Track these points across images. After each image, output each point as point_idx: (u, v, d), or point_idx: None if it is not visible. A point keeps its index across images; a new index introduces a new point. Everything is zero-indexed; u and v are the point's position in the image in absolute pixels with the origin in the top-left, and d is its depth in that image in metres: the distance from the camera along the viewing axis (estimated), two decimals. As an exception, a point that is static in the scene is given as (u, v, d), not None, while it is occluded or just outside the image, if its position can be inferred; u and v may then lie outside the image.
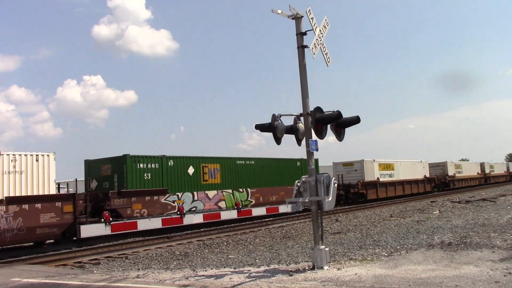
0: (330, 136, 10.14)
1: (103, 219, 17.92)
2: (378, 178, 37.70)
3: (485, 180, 61.58)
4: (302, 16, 9.55)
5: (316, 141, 9.38)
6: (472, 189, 49.10)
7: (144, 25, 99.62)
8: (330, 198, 8.79)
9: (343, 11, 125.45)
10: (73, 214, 17.36)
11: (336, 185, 9.10)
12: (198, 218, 21.57)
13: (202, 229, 20.38)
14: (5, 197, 15.94)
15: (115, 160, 20.41)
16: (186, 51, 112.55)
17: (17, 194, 16.53)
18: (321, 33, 9.72)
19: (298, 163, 29.04)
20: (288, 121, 9.66)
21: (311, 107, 9.44)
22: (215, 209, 22.84)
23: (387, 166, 39.95)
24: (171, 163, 21.48)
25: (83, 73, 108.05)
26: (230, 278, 8.72)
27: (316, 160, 29.42)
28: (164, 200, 20.70)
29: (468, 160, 69.78)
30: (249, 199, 25.14)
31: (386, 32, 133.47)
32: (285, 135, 9.61)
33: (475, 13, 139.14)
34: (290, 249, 12.96)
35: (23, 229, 15.88)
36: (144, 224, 19.25)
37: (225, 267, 10.36)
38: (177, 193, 21.39)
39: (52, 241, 17.87)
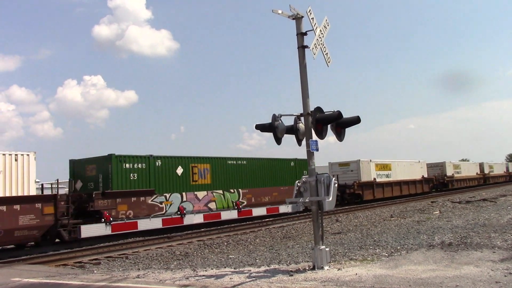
0: (331, 136, 10.13)
1: (103, 219, 17.92)
2: (374, 179, 37.20)
3: (484, 180, 61.11)
4: (302, 16, 9.56)
5: (316, 141, 9.38)
6: (471, 190, 48.77)
7: (145, 25, 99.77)
8: (330, 198, 8.79)
9: (344, 11, 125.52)
10: (54, 215, 16.79)
11: (336, 185, 9.10)
12: (198, 218, 21.53)
13: (202, 229, 20.38)
14: None
15: (100, 160, 19.81)
16: (186, 51, 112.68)
17: None
18: (322, 33, 9.72)
19: (292, 163, 28.57)
20: (288, 121, 9.67)
21: (312, 107, 9.45)
22: (204, 210, 22.22)
23: (384, 167, 39.41)
24: (158, 163, 20.90)
25: (83, 73, 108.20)
26: (230, 278, 8.72)
27: None
28: (151, 201, 20.10)
29: (468, 161, 69.54)
30: (240, 200, 24.47)
31: (386, 32, 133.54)
32: (285, 135, 9.61)
33: (475, 13, 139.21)
34: (291, 249, 12.96)
35: (1, 232, 15.31)
36: (144, 224, 19.22)
37: (225, 267, 10.37)
38: (164, 194, 20.80)
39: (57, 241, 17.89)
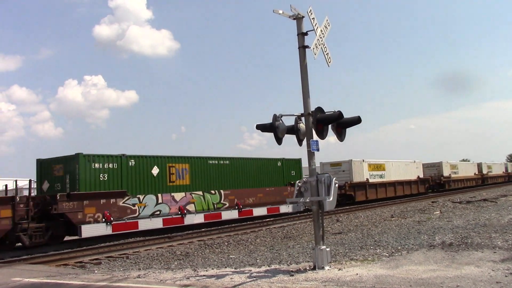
0: (331, 136, 10.12)
1: (104, 219, 17.93)
2: (367, 179, 36.35)
3: (482, 181, 60.09)
4: (303, 17, 9.56)
5: (317, 141, 9.39)
6: (469, 190, 47.99)
7: (145, 25, 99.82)
8: (331, 198, 8.80)
9: (344, 12, 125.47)
10: (11, 219, 15.91)
11: (337, 185, 9.11)
12: (199, 218, 21.51)
13: (203, 229, 20.38)
14: None
15: (67, 160, 18.74)
16: (187, 51, 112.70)
17: None
18: (322, 34, 9.72)
19: (279, 163, 27.51)
20: (289, 121, 9.67)
21: (312, 107, 9.45)
22: (182, 212, 21.11)
23: (378, 167, 38.51)
24: (132, 162, 19.72)
25: (84, 73, 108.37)
26: (231, 278, 8.73)
27: (299, 160, 28.53)
28: (123, 203, 18.91)
29: (469, 161, 69.16)
30: (222, 201, 23.29)
31: (387, 32, 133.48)
32: (286, 135, 9.61)
33: (476, 13, 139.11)
34: (291, 249, 12.96)
35: None
36: (145, 224, 19.21)
37: (226, 267, 10.37)
38: (138, 196, 19.61)
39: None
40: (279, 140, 9.52)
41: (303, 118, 9.54)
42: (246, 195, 24.66)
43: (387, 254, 10.44)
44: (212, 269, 10.24)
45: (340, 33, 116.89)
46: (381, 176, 38.65)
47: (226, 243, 16.09)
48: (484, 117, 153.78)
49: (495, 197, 30.26)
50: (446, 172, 49.79)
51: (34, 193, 18.80)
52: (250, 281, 8.29)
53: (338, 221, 21.45)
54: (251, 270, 9.55)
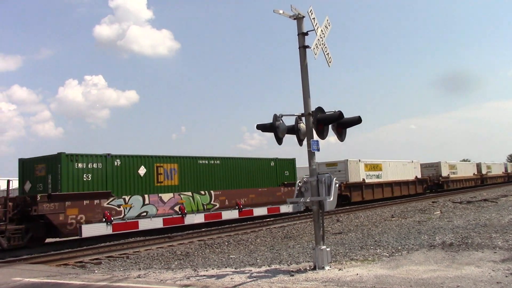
0: (331, 136, 10.12)
1: (104, 219, 17.93)
2: (363, 179, 35.83)
3: (481, 181, 59.47)
4: (303, 17, 9.56)
5: (317, 141, 9.39)
6: (468, 190, 47.62)
7: (146, 25, 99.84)
8: (331, 198, 8.80)
9: (345, 12, 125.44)
10: None
11: (337, 185, 9.11)
12: (199, 218, 21.49)
13: (203, 229, 20.38)
14: None
15: (49, 159, 18.14)
16: (187, 51, 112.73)
17: None
18: (323, 34, 9.72)
19: (272, 163, 27.08)
20: (289, 121, 9.67)
21: (313, 107, 9.45)
22: (170, 213, 20.63)
23: (374, 167, 37.93)
24: (117, 162, 19.21)
25: (84, 73, 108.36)
26: (231, 278, 8.73)
27: (293, 160, 28.24)
28: (107, 204, 18.46)
29: (469, 161, 68.97)
30: (212, 202, 22.86)
31: (387, 32, 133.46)
32: (286, 135, 9.61)
33: (476, 13, 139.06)
34: (291, 249, 12.96)
35: None
36: (145, 224, 19.20)
37: (226, 267, 10.37)
38: (123, 197, 19.11)
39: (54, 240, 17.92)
40: (279, 140, 9.52)
41: (303, 118, 9.54)
42: (237, 195, 24.21)
43: (387, 254, 10.44)
44: (213, 269, 10.24)
45: (340, 33, 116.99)
46: (378, 177, 38.16)
47: (226, 243, 16.09)
48: (485, 117, 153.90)
49: (495, 197, 30.25)
50: (444, 172, 49.31)
51: (15, 193, 18.35)
52: (251, 281, 8.29)
53: (338, 221, 21.45)
54: (251, 270, 9.55)
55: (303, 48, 9.54)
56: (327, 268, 8.92)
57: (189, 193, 21.92)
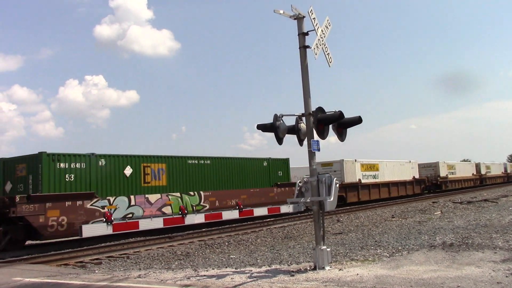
0: (332, 136, 10.13)
1: (104, 219, 17.94)
2: (359, 180, 35.36)
3: (480, 181, 58.96)
4: (304, 17, 9.56)
5: (318, 141, 9.40)
6: (468, 190, 47.37)
7: (146, 25, 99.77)
8: (331, 199, 8.81)
9: (345, 12, 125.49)
10: None
11: (338, 185, 9.11)
12: (199, 218, 21.47)
13: (203, 229, 20.38)
14: None
15: (30, 159, 17.61)
16: (188, 51, 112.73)
17: None
18: (323, 34, 9.72)
19: (265, 163, 26.53)
20: (290, 121, 9.68)
21: (313, 107, 9.45)
22: (158, 215, 20.06)
23: (371, 167, 37.47)
24: (102, 162, 18.68)
25: (85, 73, 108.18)
26: (231, 278, 8.73)
27: (286, 160, 27.87)
28: (91, 205, 17.90)
29: (469, 161, 68.90)
30: (202, 203, 22.35)
31: (388, 32, 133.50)
32: (286, 135, 9.62)
33: (477, 14, 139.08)
34: (292, 249, 12.96)
35: None
36: (145, 224, 19.18)
37: (226, 267, 10.37)
38: (108, 197, 18.56)
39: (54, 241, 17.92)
40: (279, 140, 9.52)
41: (304, 118, 9.54)
42: (228, 196, 23.70)
43: (387, 255, 10.44)
44: (213, 269, 10.24)
45: (340, 33, 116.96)
46: (374, 177, 37.70)
47: (226, 243, 16.10)
48: (485, 117, 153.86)
49: (496, 198, 30.25)
50: (443, 172, 48.87)
51: None
52: (251, 281, 8.29)
53: (338, 221, 21.45)
54: (251, 270, 9.55)
55: (303, 48, 9.54)
56: (327, 268, 8.92)
57: (178, 194, 21.41)
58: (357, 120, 9.49)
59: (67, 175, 17.61)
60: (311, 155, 9.33)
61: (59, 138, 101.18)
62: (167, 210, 20.71)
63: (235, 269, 10.01)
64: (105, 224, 17.82)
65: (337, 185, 9.04)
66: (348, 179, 34.36)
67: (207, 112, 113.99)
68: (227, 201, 23.57)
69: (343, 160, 34.59)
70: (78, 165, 17.98)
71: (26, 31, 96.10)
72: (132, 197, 19.55)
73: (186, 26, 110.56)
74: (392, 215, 22.81)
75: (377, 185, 37.64)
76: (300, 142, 9.69)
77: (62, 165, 17.48)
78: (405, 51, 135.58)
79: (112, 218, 18.11)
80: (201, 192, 22.56)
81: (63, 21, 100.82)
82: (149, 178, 20.43)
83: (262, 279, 8.40)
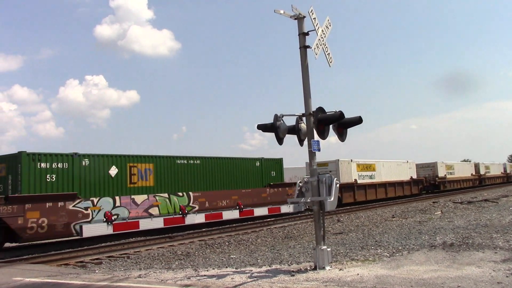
0: (332, 136, 10.14)
1: (105, 219, 17.94)
2: (355, 180, 35.00)
3: (479, 181, 58.51)
4: (304, 17, 9.56)
5: (318, 141, 9.40)
6: (468, 191, 47.09)
7: (146, 25, 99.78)
8: (332, 199, 8.80)
9: (346, 12, 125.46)
10: None
11: (338, 185, 9.12)
12: (200, 218, 21.46)
13: (203, 229, 20.39)
14: None
15: (9, 158, 17.10)
16: (188, 51, 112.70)
17: None
18: (324, 34, 9.73)
19: (258, 163, 26.12)
20: (290, 121, 9.68)
21: (313, 107, 9.45)
22: (144, 216, 19.55)
23: (367, 167, 37.13)
24: (86, 162, 18.16)
25: (85, 73, 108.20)
26: (232, 278, 8.73)
27: (280, 160, 27.55)
28: (73, 206, 17.32)
29: (469, 161, 68.84)
30: (191, 204, 21.79)
31: (388, 32, 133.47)
32: (287, 135, 9.61)
33: (477, 13, 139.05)
34: (292, 249, 12.96)
35: None
36: (146, 224, 19.19)
37: (227, 267, 10.38)
38: (91, 198, 18.01)
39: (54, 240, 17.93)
40: (280, 140, 9.52)
41: (304, 118, 9.54)
42: (218, 197, 23.23)
43: (388, 254, 10.44)
44: (213, 269, 10.24)
45: (341, 33, 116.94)
46: (370, 177, 37.35)
47: (227, 243, 16.10)
48: (485, 117, 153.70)
49: (496, 198, 30.25)
50: (441, 172, 48.38)
51: None
52: (251, 281, 8.29)
53: (339, 221, 21.45)
54: (252, 270, 9.56)
55: (303, 48, 9.54)
56: (327, 268, 8.92)
57: (165, 195, 20.89)
58: (358, 120, 9.49)
59: (48, 175, 17.12)
60: (312, 155, 9.33)
61: (60, 138, 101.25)
62: (154, 211, 20.20)
63: (236, 269, 10.02)
64: (105, 224, 17.84)
65: (338, 185, 9.04)
66: (344, 179, 33.97)
67: (207, 112, 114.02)
68: (217, 202, 23.07)
69: (338, 160, 34.30)
70: (60, 165, 17.49)
71: (26, 31, 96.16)
72: (117, 198, 19.01)
73: (186, 26, 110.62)
74: (393, 215, 22.82)
75: (373, 186, 37.31)
76: (301, 142, 9.69)
77: (43, 165, 17.01)
78: (405, 51, 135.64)
79: (93, 220, 17.74)
80: (190, 193, 22.06)
81: (64, 21, 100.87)
82: (135, 178, 19.97)
83: (262, 279, 8.40)
